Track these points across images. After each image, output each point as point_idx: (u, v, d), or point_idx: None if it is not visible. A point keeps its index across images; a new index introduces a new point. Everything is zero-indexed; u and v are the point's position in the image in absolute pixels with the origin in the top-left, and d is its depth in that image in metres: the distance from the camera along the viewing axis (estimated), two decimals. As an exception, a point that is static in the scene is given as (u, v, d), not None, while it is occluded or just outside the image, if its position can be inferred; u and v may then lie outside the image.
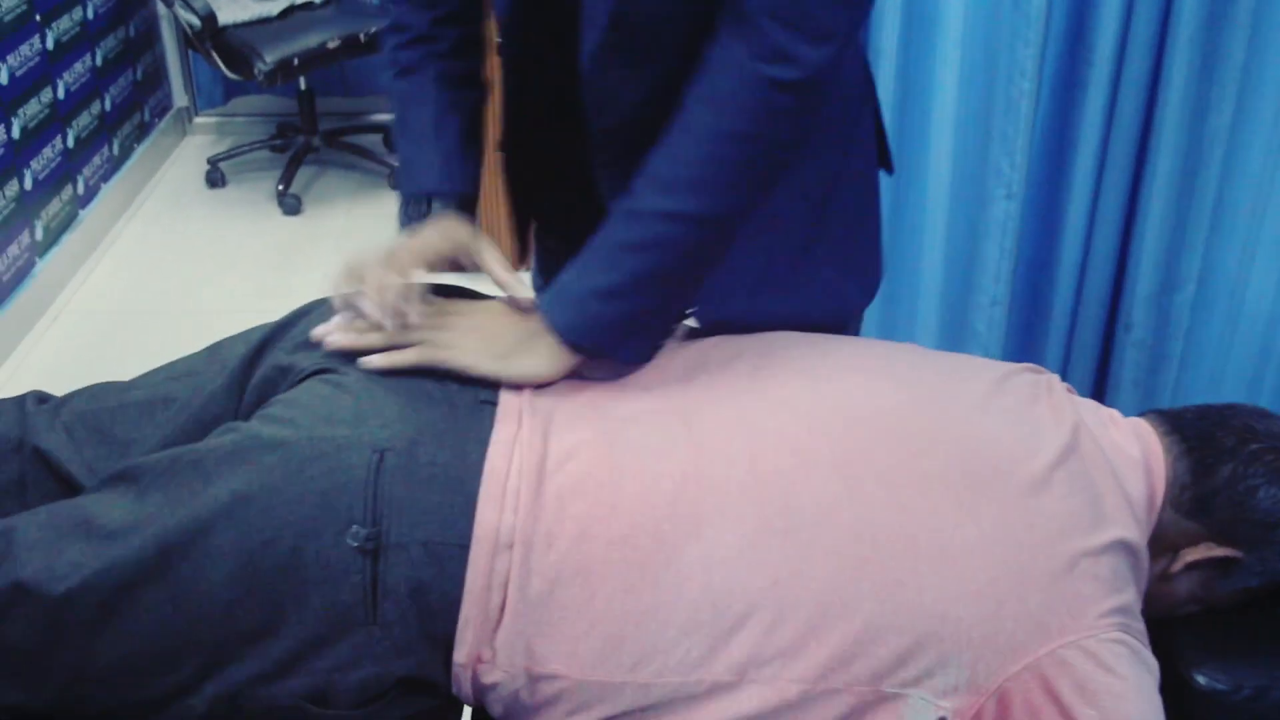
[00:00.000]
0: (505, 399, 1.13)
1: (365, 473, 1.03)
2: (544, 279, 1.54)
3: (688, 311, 1.18)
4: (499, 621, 1.03)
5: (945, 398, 1.18)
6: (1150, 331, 2.10)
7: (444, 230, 1.24)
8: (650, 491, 1.06)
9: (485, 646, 1.03)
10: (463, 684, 1.05)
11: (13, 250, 3.00)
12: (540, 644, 1.03)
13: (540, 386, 1.15)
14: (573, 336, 1.14)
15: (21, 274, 3.05)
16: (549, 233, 1.49)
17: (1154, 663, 1.09)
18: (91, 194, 3.47)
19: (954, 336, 2.15)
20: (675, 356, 1.21)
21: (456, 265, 1.25)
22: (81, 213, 3.40)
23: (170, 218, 3.71)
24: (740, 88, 1.08)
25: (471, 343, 1.16)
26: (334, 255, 3.47)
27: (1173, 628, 1.19)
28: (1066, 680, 1.03)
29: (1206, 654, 1.16)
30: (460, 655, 1.03)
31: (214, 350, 1.26)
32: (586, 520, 1.04)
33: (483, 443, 1.07)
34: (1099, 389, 2.22)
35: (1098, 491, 1.12)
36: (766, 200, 1.15)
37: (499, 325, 1.19)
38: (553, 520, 1.04)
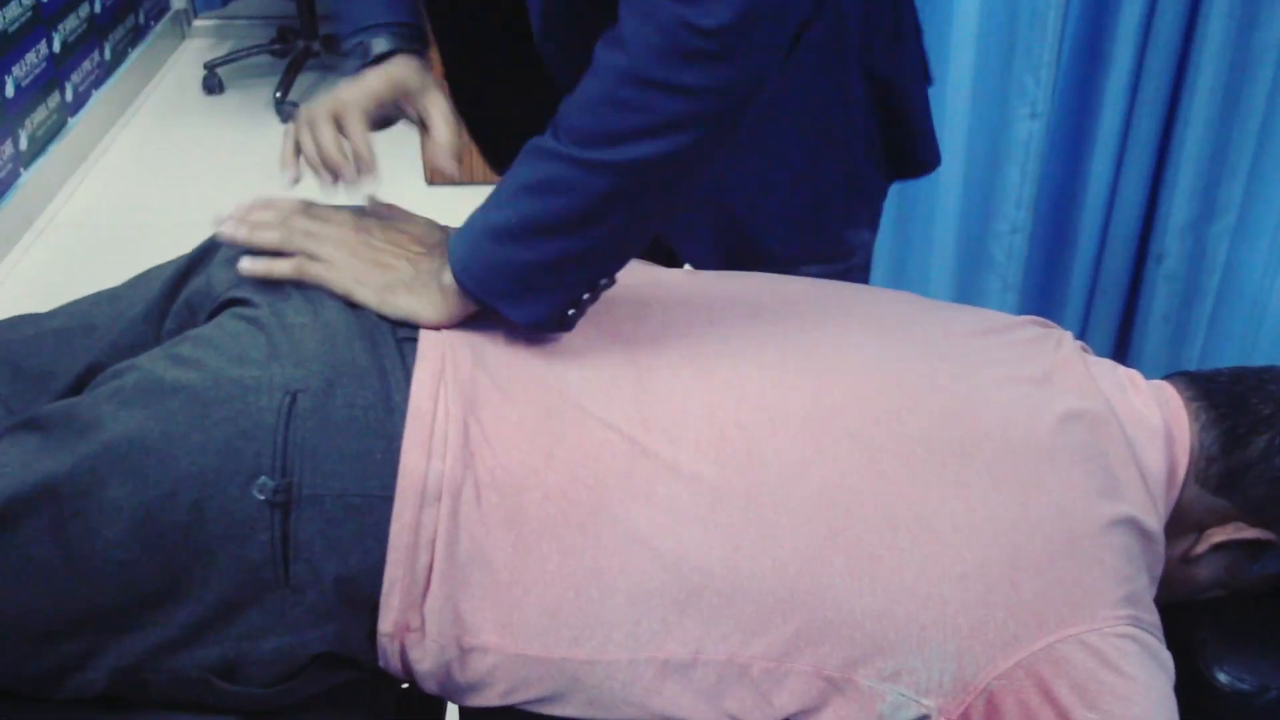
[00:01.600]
0: (426, 330, 1.01)
1: (274, 417, 0.92)
2: None
3: (602, 284, 1.04)
4: (427, 585, 0.93)
5: (934, 351, 1.05)
6: (1184, 263, 1.96)
7: (390, 73, 1.15)
8: (593, 441, 0.95)
9: (413, 614, 0.93)
10: (390, 658, 0.96)
11: (-7, 161, 2.89)
12: (471, 611, 0.93)
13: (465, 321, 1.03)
14: (463, 274, 1.00)
15: (4, 185, 2.94)
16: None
17: (1168, 659, 0.97)
18: (81, 101, 3.35)
19: (970, 265, 2.02)
20: (627, 293, 1.09)
21: (394, 117, 1.18)
22: (70, 121, 3.28)
23: (165, 126, 3.59)
24: (652, 28, 0.90)
25: (356, 266, 1.03)
26: (332, 167, 3.34)
27: (1193, 616, 1.07)
28: (1064, 679, 0.92)
29: (1230, 648, 1.04)
30: (386, 624, 0.93)
31: (143, 275, 1.16)
32: (521, 470, 0.93)
33: (408, 380, 0.96)
34: (1126, 323, 2.09)
35: (1107, 463, 0.99)
36: (710, 153, 0.97)
37: (397, 251, 1.06)
38: (483, 469, 0.93)
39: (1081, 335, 2.10)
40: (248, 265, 1.04)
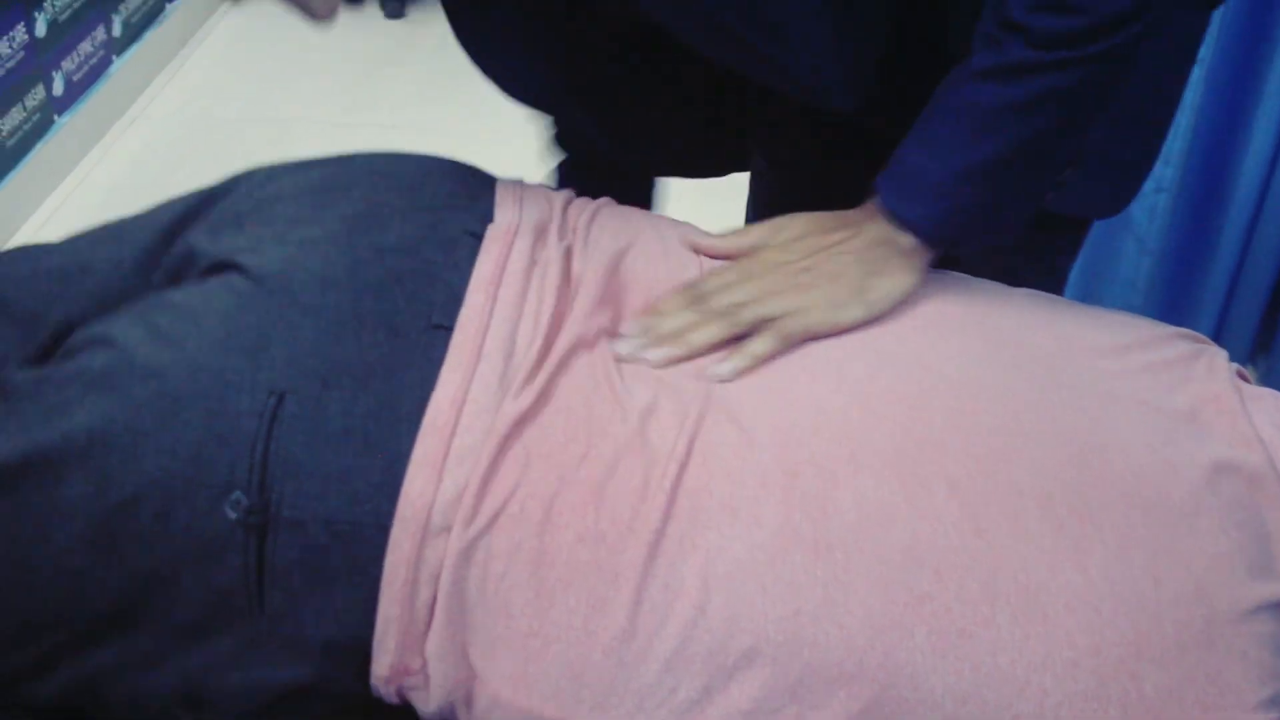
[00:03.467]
0: (466, 318, 0.87)
1: (255, 422, 0.80)
2: None
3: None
4: (429, 623, 0.80)
5: (1061, 377, 0.88)
6: (1355, 235, 1.75)
7: None
8: (641, 475, 0.81)
9: (413, 655, 0.81)
10: (387, 697, 0.84)
11: (85, 47, 2.80)
12: (481, 657, 0.81)
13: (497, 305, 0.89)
14: (940, 232, 0.93)
15: (96, 73, 2.86)
16: None
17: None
18: (180, -14, 3.25)
19: (1104, 226, 1.82)
20: None
21: None
22: (168, 7, 3.18)
23: (267, 15, 3.47)
24: None
25: (816, 295, 0.93)
26: (433, 65, 3.21)
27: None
28: None
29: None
30: (381, 668, 0.81)
31: (153, 210, 1.04)
32: (556, 502, 0.80)
33: (425, 384, 0.83)
34: (1276, 300, 1.88)
35: (1263, 530, 0.82)
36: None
37: (822, 255, 0.96)
38: (509, 494, 0.80)
39: (1224, 311, 1.89)
40: (727, 370, 0.90)
